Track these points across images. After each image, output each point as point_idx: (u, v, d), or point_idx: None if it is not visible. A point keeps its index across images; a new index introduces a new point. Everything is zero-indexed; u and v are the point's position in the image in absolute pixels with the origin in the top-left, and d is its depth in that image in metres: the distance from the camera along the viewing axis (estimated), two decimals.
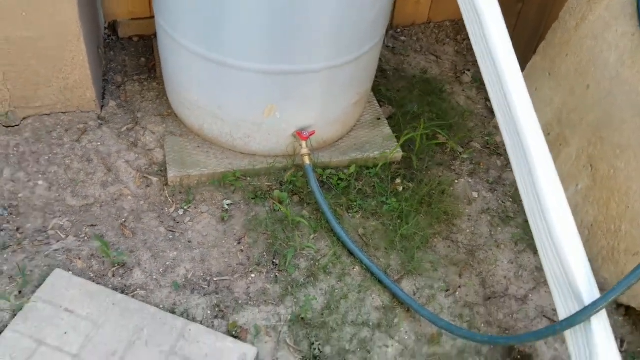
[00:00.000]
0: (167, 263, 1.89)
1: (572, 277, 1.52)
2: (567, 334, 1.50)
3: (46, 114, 2.19)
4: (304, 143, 2.05)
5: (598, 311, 1.44)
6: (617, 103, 1.98)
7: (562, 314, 1.56)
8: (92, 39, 2.21)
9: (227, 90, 1.95)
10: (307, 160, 2.04)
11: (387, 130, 2.35)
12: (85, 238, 1.91)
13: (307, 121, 2.06)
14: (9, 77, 2.04)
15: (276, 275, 1.90)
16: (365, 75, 2.14)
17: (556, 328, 1.51)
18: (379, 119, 2.40)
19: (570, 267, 1.53)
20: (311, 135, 2.06)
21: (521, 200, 2.25)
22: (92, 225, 1.95)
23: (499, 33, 1.76)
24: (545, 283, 2.01)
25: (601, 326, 1.46)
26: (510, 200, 2.26)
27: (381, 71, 2.72)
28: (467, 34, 3.06)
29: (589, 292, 1.49)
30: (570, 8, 2.22)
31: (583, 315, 1.46)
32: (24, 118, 2.17)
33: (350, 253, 1.97)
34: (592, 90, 2.10)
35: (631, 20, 1.94)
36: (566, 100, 2.23)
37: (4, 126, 2.14)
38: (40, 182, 2.02)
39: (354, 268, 1.95)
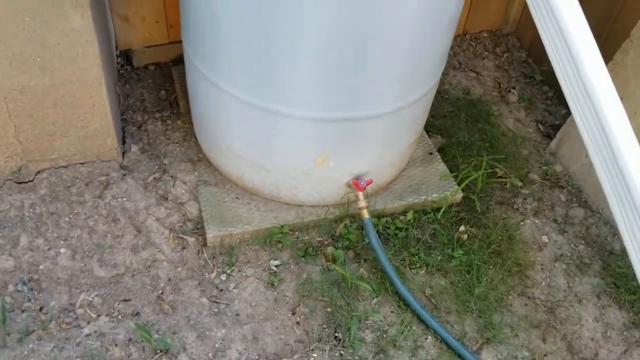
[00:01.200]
0: (216, 345, 1.64)
1: None
2: None
3: (63, 166, 1.92)
4: (360, 194, 1.80)
5: None
6: None
7: None
8: (110, 78, 1.93)
9: (275, 139, 1.69)
10: (365, 214, 1.79)
11: (442, 166, 2.11)
12: (120, 317, 1.66)
13: (362, 168, 1.81)
14: (22, 129, 1.76)
15: (341, 354, 1.66)
16: (426, 112, 1.89)
17: None
18: (431, 153, 2.16)
19: None
20: (369, 184, 1.82)
21: (596, 241, 2.05)
22: (125, 300, 1.70)
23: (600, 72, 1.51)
24: (637, 344, 1.81)
25: None
26: (583, 242, 2.04)
27: None
28: (506, 46, 2.83)
29: None
30: None
31: None
32: (38, 172, 1.90)
33: (421, 319, 1.74)
34: None
35: None
36: None
37: (16, 182, 1.87)
38: (62, 250, 1.76)
39: (426, 339, 1.72)
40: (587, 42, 1.55)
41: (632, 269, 1.50)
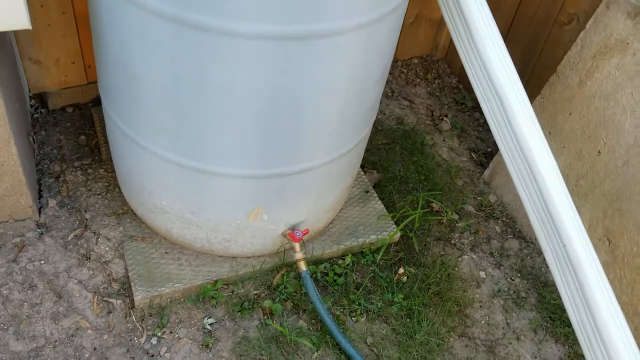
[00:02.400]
0: None
1: None
2: None
3: None
4: (297, 245, 1.74)
5: None
6: (636, 175, 1.80)
7: None
8: (21, 130, 1.79)
9: (206, 196, 1.60)
10: (302, 267, 1.73)
11: (379, 205, 2.08)
12: None
13: (298, 217, 1.75)
14: None
15: None
16: (360, 156, 1.85)
17: None
18: (367, 191, 2.12)
19: None
20: (305, 234, 1.75)
21: (530, 273, 2.07)
22: None
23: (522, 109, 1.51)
24: None
25: None
26: (519, 275, 2.06)
27: None
28: (437, 72, 2.84)
29: None
30: (571, 62, 2.02)
31: None
32: None
33: None
34: (604, 157, 1.91)
35: None
36: (572, 163, 2.03)
37: None
38: None
39: None
40: (513, 82, 1.55)
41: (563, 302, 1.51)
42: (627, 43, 1.83)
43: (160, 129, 1.45)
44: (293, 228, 1.75)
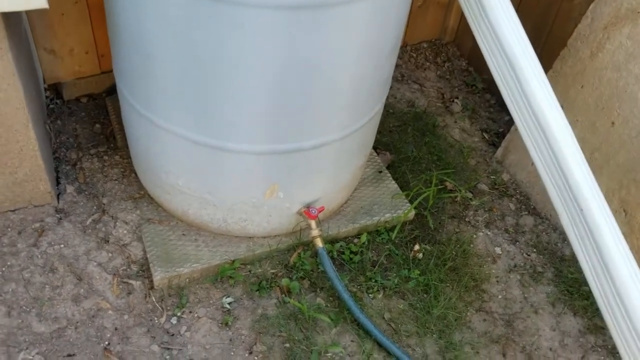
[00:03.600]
0: None
1: None
2: None
3: None
4: (312, 222, 1.75)
5: None
6: None
7: None
8: (38, 117, 1.82)
9: (222, 174, 1.62)
10: (319, 243, 1.74)
11: (393, 185, 2.09)
12: None
13: (313, 195, 1.76)
14: None
15: None
16: (373, 134, 1.86)
17: None
18: (381, 172, 2.13)
19: None
20: (320, 212, 1.76)
21: (547, 248, 2.06)
22: (69, 355, 1.59)
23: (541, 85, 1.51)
24: (594, 349, 1.82)
25: None
26: (535, 251, 2.05)
27: None
28: (446, 56, 2.84)
29: None
30: (582, 35, 2.01)
31: None
32: None
33: (381, 346, 1.70)
34: (618, 128, 1.91)
35: None
36: (586, 137, 2.03)
37: None
38: None
39: None
40: (526, 53, 1.55)
41: (583, 274, 1.50)
42: (639, 12, 1.82)
43: (176, 106, 1.47)
44: (308, 206, 1.76)
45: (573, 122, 2.07)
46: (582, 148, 2.02)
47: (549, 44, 2.33)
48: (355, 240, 1.95)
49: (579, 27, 2.03)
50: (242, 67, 1.34)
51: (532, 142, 1.59)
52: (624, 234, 1.91)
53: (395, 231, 1.96)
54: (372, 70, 1.51)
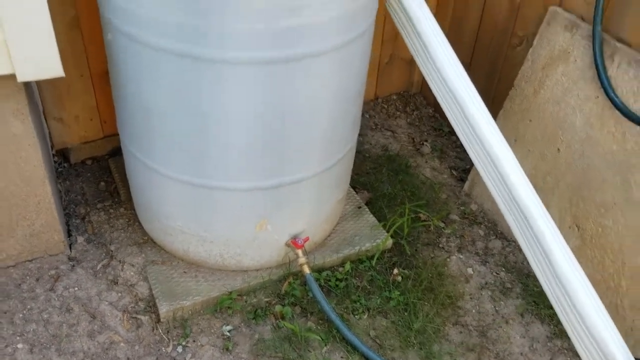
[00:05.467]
0: None
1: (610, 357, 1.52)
2: None
3: (11, 266, 1.99)
4: (299, 252, 1.97)
5: None
6: (593, 164, 2.05)
7: None
8: (52, 175, 2.05)
9: (216, 212, 1.85)
10: (306, 270, 1.95)
11: (371, 218, 2.32)
12: None
13: (299, 227, 1.98)
14: None
15: None
16: (348, 170, 2.11)
17: None
18: (360, 207, 2.37)
19: (607, 349, 1.53)
20: (306, 241, 1.99)
21: (514, 266, 2.28)
22: None
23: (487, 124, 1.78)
24: (561, 351, 2.01)
25: None
26: (504, 270, 2.27)
27: None
28: (415, 105, 3.14)
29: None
30: (525, 75, 2.31)
31: None
32: None
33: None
34: (563, 153, 2.17)
35: (592, 84, 2.03)
36: (537, 164, 2.29)
37: None
38: (19, 345, 1.81)
39: None
40: (474, 100, 1.82)
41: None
42: (569, 52, 2.12)
43: (173, 153, 1.72)
44: (295, 237, 1.98)
45: (525, 153, 2.34)
46: (535, 175, 2.29)
47: (500, 88, 2.63)
48: (340, 269, 2.16)
49: (522, 69, 2.33)
50: (225, 115, 1.60)
51: (483, 168, 1.84)
52: (577, 246, 2.14)
53: (375, 258, 2.18)
54: (340, 113, 1.77)
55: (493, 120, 1.82)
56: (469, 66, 2.77)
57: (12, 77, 1.55)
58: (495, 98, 2.66)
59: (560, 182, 2.20)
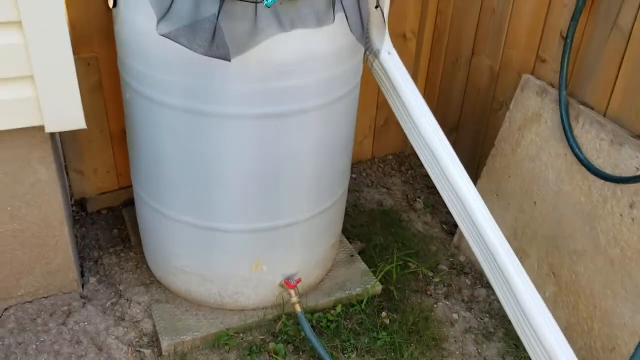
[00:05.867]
0: None
1: None
2: None
3: (28, 301, 2.17)
4: (292, 291, 2.13)
5: None
6: (565, 215, 2.22)
7: None
8: (69, 220, 2.26)
9: (216, 251, 2.04)
10: (298, 308, 2.11)
11: (362, 265, 2.49)
12: None
13: (292, 269, 2.16)
14: None
15: None
16: (339, 218, 2.30)
17: None
18: (352, 255, 2.54)
19: None
20: (298, 282, 2.15)
21: (498, 313, 2.41)
22: None
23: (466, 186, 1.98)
24: None
25: None
26: (487, 316, 2.40)
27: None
28: (409, 165, 3.35)
29: None
30: (504, 136, 2.52)
31: None
32: (5, 309, 2.14)
33: None
34: (539, 206, 2.35)
35: (561, 142, 2.24)
36: (517, 216, 2.46)
37: None
38: None
39: None
40: (457, 168, 2.03)
41: None
42: (540, 114, 2.34)
43: (179, 198, 1.93)
44: (288, 277, 2.15)
45: (506, 206, 2.52)
46: (515, 226, 2.47)
47: (484, 146, 2.84)
48: (332, 311, 2.30)
49: (501, 130, 2.55)
50: (224, 162, 1.82)
51: (468, 233, 2.01)
52: (554, 292, 2.28)
53: (365, 302, 2.33)
54: (329, 164, 1.99)
55: (467, 175, 2.02)
56: (457, 128, 3.00)
57: (41, 128, 1.80)
58: (481, 157, 2.87)
59: (537, 232, 2.36)
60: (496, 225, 1.90)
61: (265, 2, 1.52)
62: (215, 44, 1.56)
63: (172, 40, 1.56)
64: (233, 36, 1.58)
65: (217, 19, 1.55)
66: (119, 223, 2.64)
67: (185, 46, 1.55)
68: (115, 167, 2.61)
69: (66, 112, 1.76)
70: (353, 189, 3.10)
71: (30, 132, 1.83)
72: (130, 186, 2.54)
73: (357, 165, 3.29)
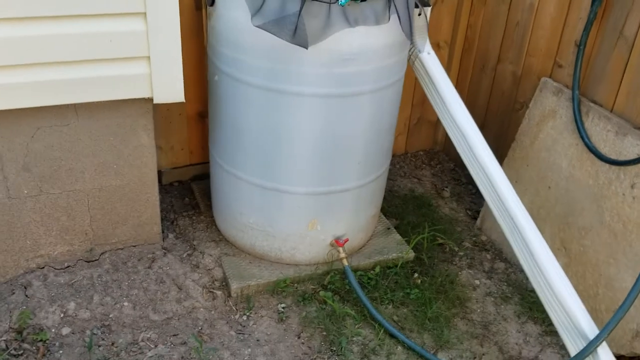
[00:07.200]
0: (245, 358, 2.25)
1: (576, 322, 2.01)
2: None
3: (120, 249, 2.60)
4: (340, 249, 2.53)
5: (601, 342, 1.92)
6: (575, 196, 2.60)
7: (573, 351, 2.02)
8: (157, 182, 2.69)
9: (280, 210, 2.46)
10: (345, 262, 2.51)
11: (398, 236, 2.88)
12: (172, 345, 2.26)
13: (341, 230, 2.56)
14: (95, 219, 2.48)
15: (336, 359, 2.28)
16: (381, 191, 2.71)
17: None
18: (389, 228, 2.93)
19: (574, 314, 2.03)
20: (346, 242, 2.56)
21: (514, 283, 2.77)
22: (175, 335, 2.31)
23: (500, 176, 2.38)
24: (550, 345, 2.47)
25: (606, 354, 1.93)
26: (505, 284, 2.77)
27: None
28: (438, 160, 3.75)
29: (591, 330, 1.98)
30: (524, 131, 2.91)
31: (591, 346, 1.93)
32: (102, 253, 2.57)
33: (392, 336, 2.39)
34: (553, 190, 2.73)
35: (573, 134, 2.62)
36: (533, 199, 2.84)
37: (86, 261, 2.53)
38: (125, 304, 2.39)
39: (397, 347, 2.36)
40: (490, 156, 2.42)
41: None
42: (556, 111, 2.73)
43: (252, 162, 2.36)
44: (338, 238, 2.56)
45: (524, 191, 2.90)
46: (531, 207, 2.85)
47: (506, 141, 3.23)
48: (371, 271, 2.70)
49: (521, 126, 2.94)
50: (294, 134, 2.24)
51: (497, 212, 2.38)
52: (565, 264, 2.65)
53: (399, 265, 2.72)
54: (376, 141, 2.40)
55: (498, 164, 2.40)
56: (482, 126, 3.39)
57: (149, 100, 2.24)
58: (503, 150, 3.25)
59: (550, 212, 2.74)
60: (517, 196, 2.29)
61: (340, 2, 1.95)
62: (297, 34, 1.99)
63: (264, 30, 2.00)
64: (310, 29, 2.01)
65: (299, 15, 1.99)
66: (189, 194, 3.07)
67: (275, 35, 1.99)
68: (188, 145, 3.05)
69: (171, 87, 2.20)
70: (389, 177, 3.50)
71: (139, 103, 2.28)
72: (199, 163, 2.99)
73: (392, 158, 3.67)
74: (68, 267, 2.52)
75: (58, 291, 2.42)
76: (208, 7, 2.31)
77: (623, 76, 2.45)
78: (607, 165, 2.47)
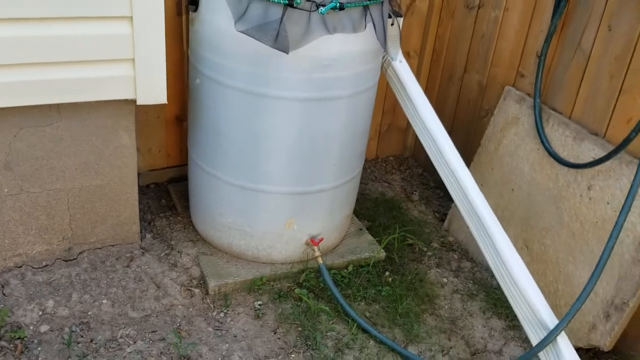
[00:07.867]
0: (223, 353, 2.31)
1: (538, 314, 2.15)
2: (541, 354, 2.10)
3: (98, 248, 2.64)
4: (316, 248, 2.63)
5: (560, 331, 2.06)
6: (536, 199, 2.76)
7: (535, 342, 2.16)
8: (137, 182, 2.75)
9: (258, 210, 2.54)
10: (320, 261, 2.60)
11: (369, 237, 2.99)
12: (151, 341, 2.31)
13: (316, 230, 2.66)
14: (74, 218, 2.51)
15: (311, 354, 2.37)
16: (354, 192, 2.82)
17: (534, 350, 2.10)
18: (361, 229, 3.04)
19: (536, 307, 2.16)
20: (321, 241, 2.65)
21: (480, 281, 2.91)
22: (153, 332, 2.36)
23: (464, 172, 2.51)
24: (513, 339, 2.61)
25: (565, 343, 2.07)
26: (471, 282, 2.90)
27: None
28: (407, 165, 3.88)
29: (552, 321, 2.12)
30: (489, 136, 3.07)
31: (551, 336, 2.06)
32: (80, 252, 2.61)
33: (365, 331, 2.49)
34: (515, 192, 2.88)
35: (534, 140, 2.78)
36: (498, 202, 2.99)
37: (64, 260, 2.56)
38: (104, 301, 2.43)
39: (369, 342, 2.46)
40: (458, 160, 2.55)
41: (505, 296, 2.35)
42: (518, 118, 2.89)
43: (231, 163, 2.44)
44: (313, 237, 2.65)
45: (489, 193, 3.05)
46: (496, 209, 2.98)
47: (472, 147, 3.38)
48: (344, 270, 2.80)
49: (486, 132, 3.09)
50: (273, 136, 2.33)
51: (460, 203, 2.53)
52: (528, 262, 2.80)
53: (371, 264, 2.83)
54: (351, 145, 2.51)
55: (466, 167, 2.54)
56: (450, 132, 3.53)
57: (132, 101, 2.30)
58: (469, 156, 3.41)
59: (514, 214, 2.89)
60: (484, 198, 2.42)
61: (320, 10, 2.06)
62: (279, 40, 2.09)
63: (248, 35, 2.09)
64: (291, 35, 2.12)
65: (281, 22, 2.09)
66: (165, 196, 3.13)
67: (258, 40, 2.08)
68: (166, 148, 3.11)
69: (154, 89, 2.27)
70: (361, 181, 3.60)
71: (121, 104, 2.34)
72: (176, 166, 3.05)
73: (364, 163, 3.81)
74: (46, 266, 2.55)
75: (36, 289, 2.44)
76: (191, 12, 2.39)
77: (580, 85, 2.62)
78: (566, 169, 2.63)
